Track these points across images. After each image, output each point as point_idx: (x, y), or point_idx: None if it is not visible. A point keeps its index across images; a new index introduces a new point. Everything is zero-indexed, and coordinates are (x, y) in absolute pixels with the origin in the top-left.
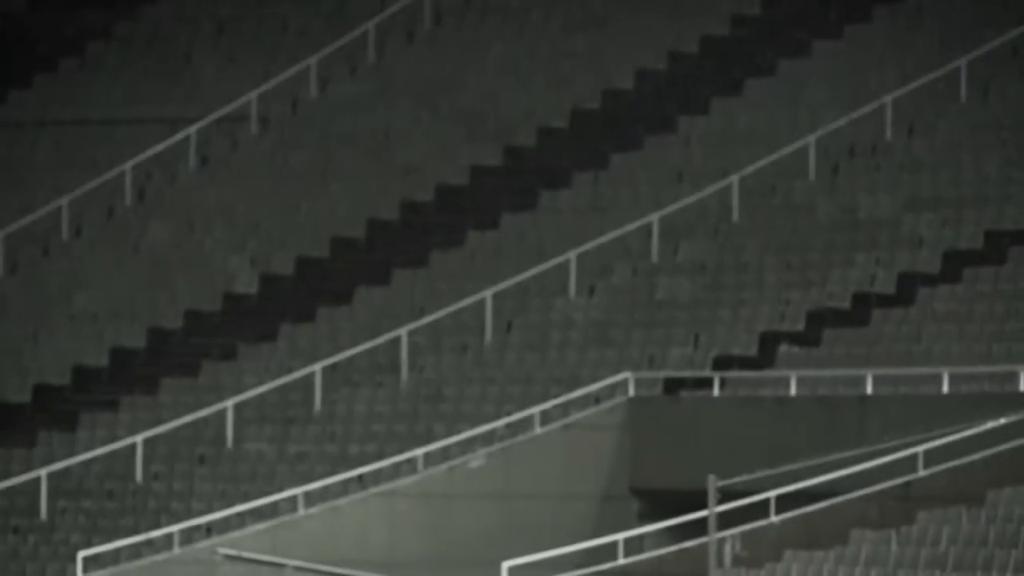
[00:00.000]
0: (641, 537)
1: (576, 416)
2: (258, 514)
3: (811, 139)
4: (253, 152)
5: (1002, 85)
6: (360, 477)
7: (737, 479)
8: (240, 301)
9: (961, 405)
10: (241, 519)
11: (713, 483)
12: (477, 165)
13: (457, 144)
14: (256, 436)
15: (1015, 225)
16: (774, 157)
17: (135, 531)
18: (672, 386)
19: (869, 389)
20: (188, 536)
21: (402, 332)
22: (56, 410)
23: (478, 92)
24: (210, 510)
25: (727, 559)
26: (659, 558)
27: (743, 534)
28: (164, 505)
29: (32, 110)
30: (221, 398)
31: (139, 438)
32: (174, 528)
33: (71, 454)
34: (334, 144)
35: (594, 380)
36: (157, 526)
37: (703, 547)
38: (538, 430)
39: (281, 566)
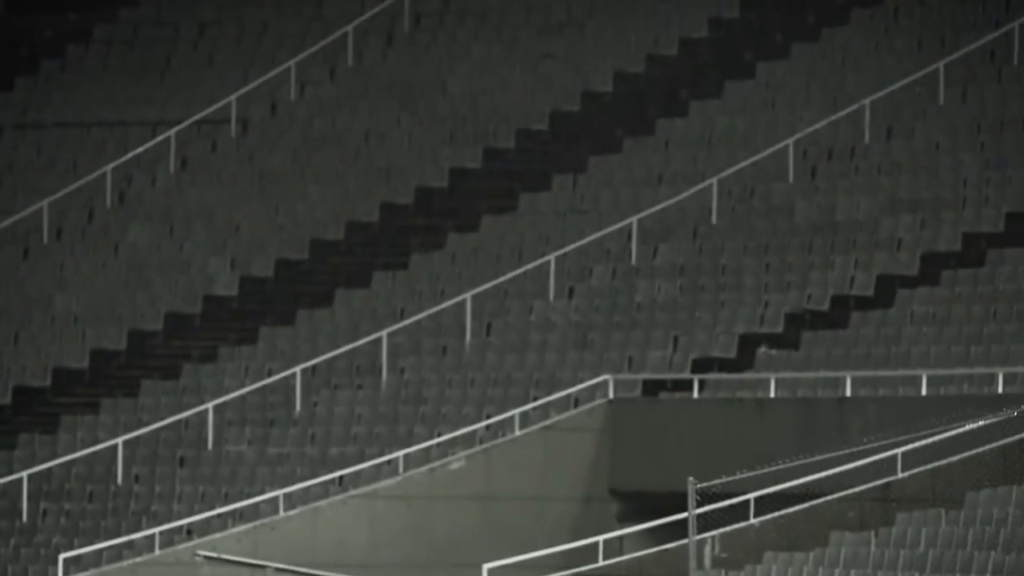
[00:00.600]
0: (621, 539)
1: (556, 418)
2: (238, 516)
3: (789, 141)
4: (233, 154)
5: (980, 87)
6: (340, 479)
7: (716, 481)
8: (220, 303)
9: (940, 407)
10: (222, 521)
11: (692, 485)
12: (456, 167)
13: (436, 146)
14: (236, 438)
15: (993, 227)
16: (753, 159)
17: (116, 533)
18: (651, 388)
19: (848, 391)
20: (169, 538)
21: (382, 334)
22: (37, 412)
23: (457, 94)
24: (190, 512)
25: (707, 561)
26: (639, 560)
27: (722, 536)
28: (145, 507)
29: (12, 113)
30: (201, 400)
31: (120, 440)
32: (155, 530)
33: (52, 456)
34: (313, 146)
35: (574, 382)
36: (138, 528)
37: (683, 549)
38: (518, 432)
39: (261, 568)
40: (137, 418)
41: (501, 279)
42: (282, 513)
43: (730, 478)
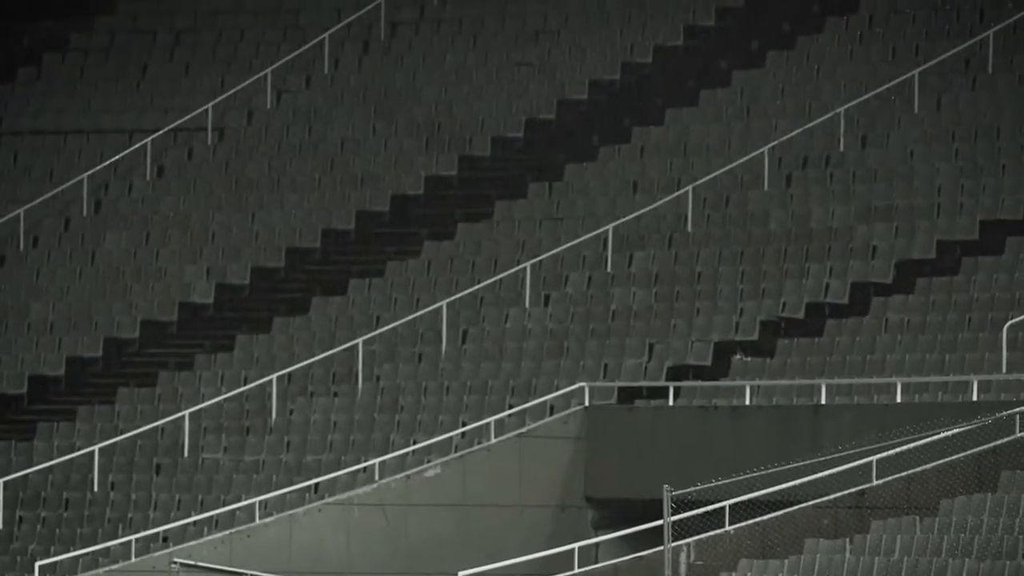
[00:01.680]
0: (596, 546)
1: (531, 425)
2: (214, 523)
3: (764, 149)
4: (209, 162)
5: (954, 96)
6: (316, 486)
7: (692, 488)
8: (196, 311)
9: (914, 414)
10: (198, 528)
11: (668, 492)
12: (432, 175)
13: (412, 154)
14: (212, 446)
15: (967, 235)
16: (728, 167)
17: (92, 540)
18: (627, 396)
19: (823, 399)
20: (145, 545)
21: (358, 342)
22: (13, 419)
23: (433, 102)
24: (167, 519)
25: (682, 568)
26: (614, 567)
27: (698, 543)
28: (121, 514)
29: None
30: (177, 408)
31: (96, 448)
32: (131, 537)
33: (28, 463)
34: (289, 154)
35: (549, 390)
36: (114, 535)
37: (658, 556)
38: (493, 439)
39: (238, 575)
40: (113, 426)
41: (477, 287)
42: (258, 520)
43: (705, 485)
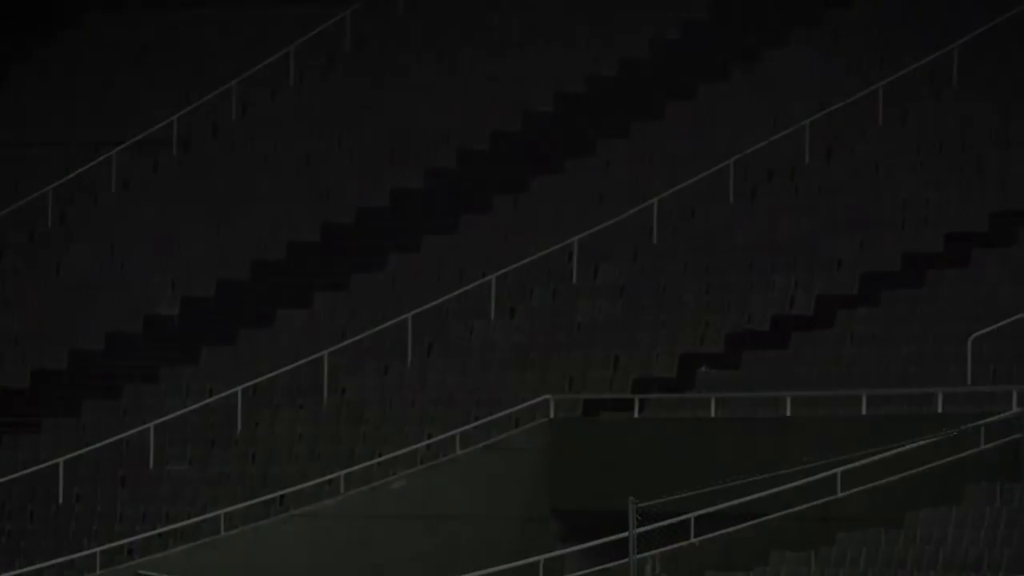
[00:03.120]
0: (562, 559)
1: (497, 438)
2: (179, 535)
3: (730, 162)
4: (174, 174)
5: (919, 108)
6: (282, 499)
7: (657, 500)
8: (161, 323)
9: (880, 427)
10: (163, 540)
11: (633, 504)
12: (397, 188)
13: (377, 167)
14: (178, 458)
15: (932, 248)
16: (693, 180)
17: (57, 552)
18: (592, 408)
19: (788, 411)
20: (110, 557)
21: (323, 354)
22: None
23: (398, 115)
24: (132, 532)
25: None
26: None
27: (663, 555)
28: (86, 527)
29: None
30: (143, 420)
31: (61, 460)
32: (96, 550)
33: None
34: (255, 167)
35: (515, 402)
36: (79, 547)
37: (623, 568)
38: (459, 452)
39: None
40: (78, 438)
41: (442, 299)
42: (223, 533)
43: (671, 498)
